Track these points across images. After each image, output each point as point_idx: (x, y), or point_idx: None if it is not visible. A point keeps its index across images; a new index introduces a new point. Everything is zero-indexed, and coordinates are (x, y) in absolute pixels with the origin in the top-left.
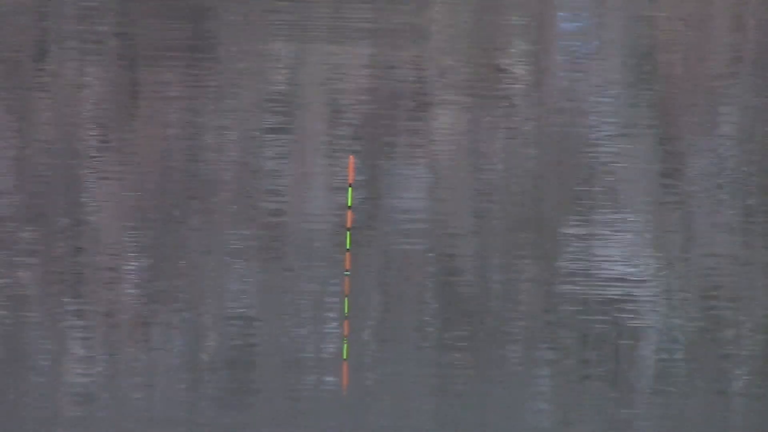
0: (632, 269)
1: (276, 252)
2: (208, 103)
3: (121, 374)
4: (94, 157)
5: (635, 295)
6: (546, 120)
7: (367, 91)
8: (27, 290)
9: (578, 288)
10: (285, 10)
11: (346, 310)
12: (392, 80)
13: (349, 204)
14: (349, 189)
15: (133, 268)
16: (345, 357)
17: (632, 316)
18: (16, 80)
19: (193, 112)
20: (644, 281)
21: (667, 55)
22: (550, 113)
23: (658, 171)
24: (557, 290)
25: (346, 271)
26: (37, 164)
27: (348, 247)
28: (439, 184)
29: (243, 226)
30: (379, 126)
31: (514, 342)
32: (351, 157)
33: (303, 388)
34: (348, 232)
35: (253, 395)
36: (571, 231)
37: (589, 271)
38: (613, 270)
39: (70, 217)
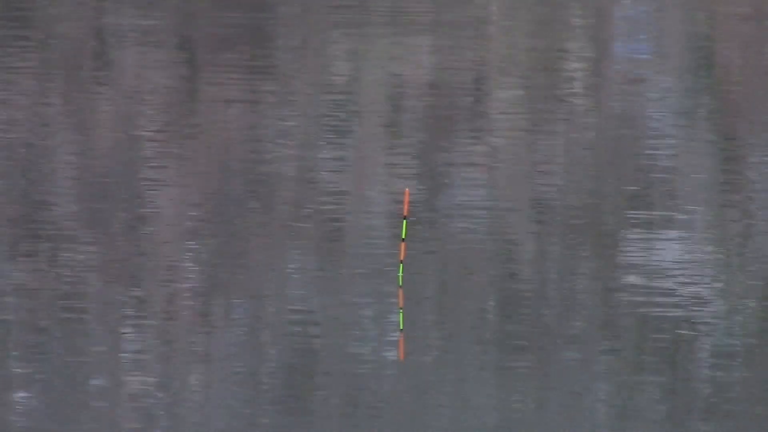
0: (691, 270)
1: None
2: (267, 106)
3: (180, 370)
4: (153, 156)
5: (694, 295)
6: (605, 117)
7: (427, 85)
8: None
9: (637, 289)
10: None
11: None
12: (452, 73)
13: (404, 236)
14: (404, 222)
15: (192, 266)
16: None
17: (690, 315)
18: (75, 77)
19: (253, 113)
20: (704, 280)
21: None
22: (609, 110)
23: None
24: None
25: (399, 308)
26: (97, 163)
27: (401, 274)
28: (497, 177)
29: (302, 221)
30: (438, 120)
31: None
32: (407, 190)
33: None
34: (401, 265)
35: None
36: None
37: (649, 274)
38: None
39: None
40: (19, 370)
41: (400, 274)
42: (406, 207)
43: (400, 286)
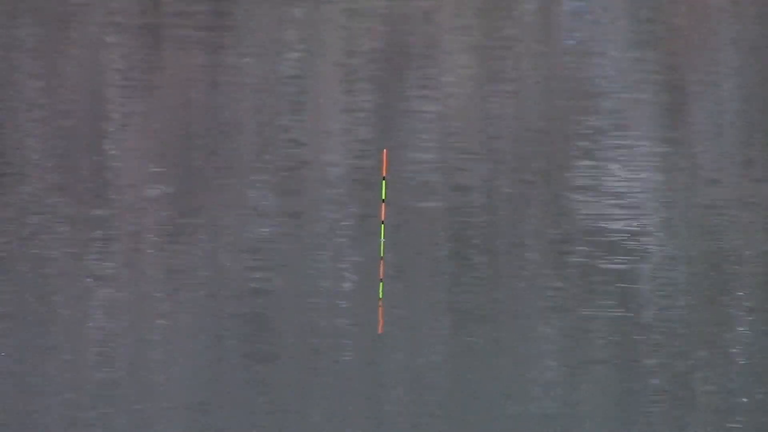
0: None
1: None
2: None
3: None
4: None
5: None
6: (552, 67)
7: (381, 44)
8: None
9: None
10: None
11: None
12: (405, 33)
13: (384, 197)
14: (383, 182)
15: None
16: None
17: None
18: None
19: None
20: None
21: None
22: (557, 59)
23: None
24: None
25: (382, 279)
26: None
27: (383, 239)
28: (449, 131)
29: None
30: (392, 78)
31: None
32: (385, 150)
33: None
34: (382, 225)
35: None
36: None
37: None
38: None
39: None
40: None
41: (382, 238)
42: (384, 168)
43: (381, 257)
